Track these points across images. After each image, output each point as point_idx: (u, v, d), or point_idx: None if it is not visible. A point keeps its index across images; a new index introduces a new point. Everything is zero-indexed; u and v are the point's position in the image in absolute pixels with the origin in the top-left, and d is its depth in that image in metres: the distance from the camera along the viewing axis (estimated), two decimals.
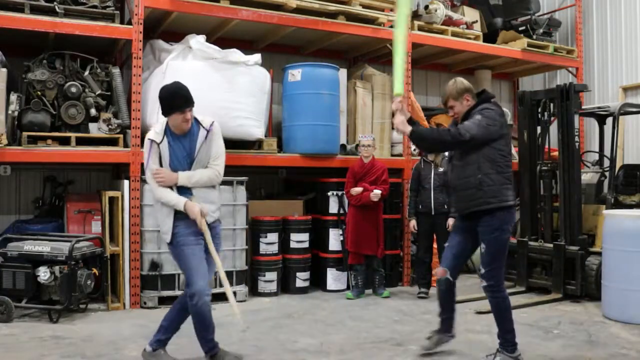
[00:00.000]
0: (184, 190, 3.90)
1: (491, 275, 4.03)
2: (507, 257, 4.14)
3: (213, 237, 3.97)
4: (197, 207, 3.83)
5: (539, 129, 6.86)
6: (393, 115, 4.04)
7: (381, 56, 8.42)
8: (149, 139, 3.88)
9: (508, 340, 4.08)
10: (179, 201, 3.82)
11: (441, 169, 6.41)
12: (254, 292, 6.46)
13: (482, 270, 4.08)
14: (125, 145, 6.02)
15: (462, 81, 4.17)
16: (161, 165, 3.88)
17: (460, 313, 5.73)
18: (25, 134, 5.64)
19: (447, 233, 6.45)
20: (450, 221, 6.33)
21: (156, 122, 5.95)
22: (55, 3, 5.71)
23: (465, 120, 4.05)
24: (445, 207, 6.34)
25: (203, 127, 3.98)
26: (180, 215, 3.86)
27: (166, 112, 3.87)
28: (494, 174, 3.95)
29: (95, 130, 6.05)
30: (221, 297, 6.10)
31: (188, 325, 5.20)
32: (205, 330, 3.92)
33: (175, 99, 3.86)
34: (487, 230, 4.00)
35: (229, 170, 6.57)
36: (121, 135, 6.01)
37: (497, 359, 4.09)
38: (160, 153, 3.87)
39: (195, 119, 3.99)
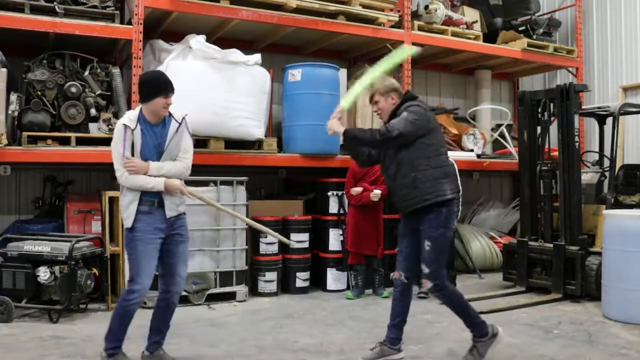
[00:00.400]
0: None
1: (436, 275, 3.98)
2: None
3: (179, 228, 3.98)
4: (177, 182, 3.87)
5: (539, 129, 6.85)
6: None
7: (381, 56, 8.22)
8: (123, 124, 3.83)
9: (478, 324, 4.05)
10: (158, 182, 3.81)
11: None
12: (254, 292, 6.47)
13: (427, 270, 3.99)
14: None
15: (392, 81, 4.22)
16: (132, 153, 3.85)
17: None
18: (25, 134, 5.64)
19: None
20: None
21: None
22: (55, 3, 5.71)
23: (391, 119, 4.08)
24: None
25: (175, 120, 3.98)
26: (144, 209, 3.84)
27: (150, 95, 3.84)
28: (428, 169, 3.94)
29: (95, 130, 6.06)
30: (221, 297, 6.12)
31: (188, 325, 5.21)
32: (120, 329, 3.89)
33: (160, 82, 3.89)
34: (432, 228, 3.96)
35: (229, 170, 6.63)
36: None
37: (474, 351, 4.07)
38: (132, 140, 3.83)
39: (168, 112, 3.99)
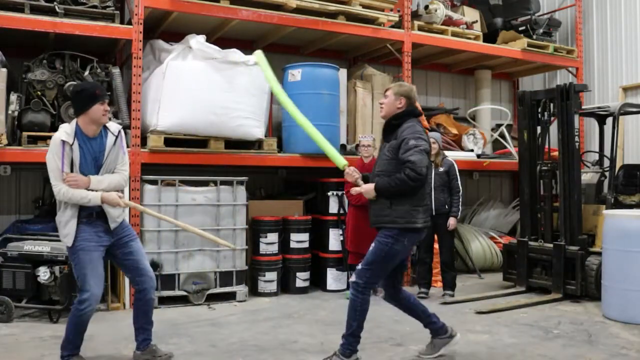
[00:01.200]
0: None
1: (362, 274, 4.03)
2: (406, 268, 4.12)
3: (122, 231, 4.03)
4: (114, 194, 3.87)
5: (539, 129, 6.85)
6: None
7: (381, 56, 8.42)
8: (61, 139, 3.81)
9: (350, 342, 4.04)
10: (95, 196, 3.81)
11: (441, 169, 6.41)
12: (254, 292, 6.47)
13: (359, 266, 4.09)
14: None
15: (411, 87, 4.26)
16: (72, 169, 3.85)
17: (460, 313, 5.75)
18: (25, 134, 5.64)
19: (448, 233, 6.48)
20: (452, 221, 6.34)
21: (156, 122, 5.98)
22: (55, 3, 5.71)
23: (391, 127, 4.10)
24: (446, 207, 6.34)
25: (111, 133, 3.99)
26: (83, 220, 3.87)
27: (88, 104, 3.82)
28: (403, 198, 3.98)
29: None
30: (221, 297, 6.12)
31: (188, 325, 5.22)
32: (76, 336, 3.92)
33: (95, 89, 3.91)
34: (381, 235, 4.04)
35: (229, 170, 6.63)
36: None
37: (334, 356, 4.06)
38: (71, 156, 3.83)
39: (104, 125, 3.99)
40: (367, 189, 4.04)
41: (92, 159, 3.91)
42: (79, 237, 3.85)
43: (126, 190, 5.83)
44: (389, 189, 3.96)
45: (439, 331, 4.31)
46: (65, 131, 3.87)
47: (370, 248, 4.05)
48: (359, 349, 4.10)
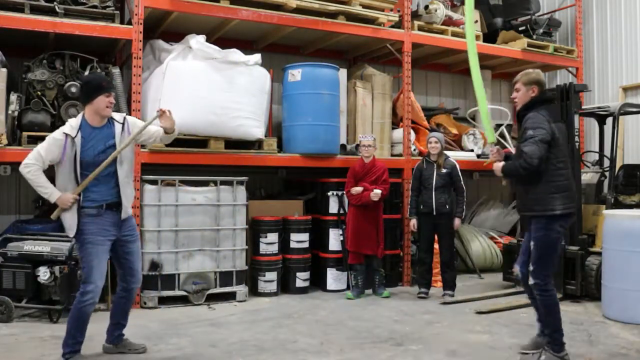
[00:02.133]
0: (107, 183, 3.98)
1: (537, 274, 4.11)
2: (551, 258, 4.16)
3: (128, 229, 4.14)
4: (70, 196, 3.88)
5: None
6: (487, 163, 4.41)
7: (381, 56, 8.42)
8: (64, 132, 3.92)
9: (556, 338, 4.13)
10: (53, 193, 3.88)
11: (444, 170, 6.41)
12: (254, 292, 6.47)
13: (530, 268, 4.16)
14: None
15: (537, 73, 4.28)
16: (75, 159, 3.91)
17: (460, 313, 5.76)
18: (25, 134, 5.64)
19: (449, 233, 6.48)
20: (457, 221, 6.34)
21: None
22: (55, 3, 5.71)
23: (522, 115, 4.18)
24: (447, 207, 6.33)
25: (117, 122, 4.10)
26: (90, 212, 3.94)
27: (92, 95, 3.95)
28: (540, 184, 4.06)
29: None
30: (221, 297, 6.12)
31: (188, 325, 5.22)
32: (78, 330, 3.96)
33: (101, 81, 4.05)
34: (535, 229, 4.14)
35: (229, 170, 6.63)
36: None
37: (542, 358, 4.13)
38: (74, 148, 3.91)
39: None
40: (496, 167, 4.23)
41: (103, 146, 3.98)
42: (86, 229, 3.92)
43: None
44: (507, 172, 4.18)
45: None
46: (70, 124, 3.99)
47: (531, 245, 4.15)
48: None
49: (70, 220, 3.93)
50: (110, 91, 4.01)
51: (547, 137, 4.00)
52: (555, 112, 4.19)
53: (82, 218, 3.93)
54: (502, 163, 4.21)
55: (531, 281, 4.14)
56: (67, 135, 3.92)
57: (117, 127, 4.07)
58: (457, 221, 6.35)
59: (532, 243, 4.14)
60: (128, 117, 4.21)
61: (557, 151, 4.08)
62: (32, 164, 3.93)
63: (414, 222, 6.53)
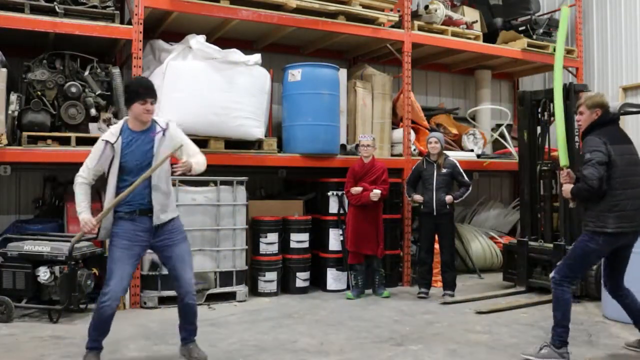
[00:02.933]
0: (141, 189, 3.91)
1: (559, 270, 4.27)
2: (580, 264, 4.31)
3: (168, 233, 4.01)
4: (90, 223, 3.87)
5: (539, 129, 6.85)
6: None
7: (381, 56, 8.42)
8: (102, 139, 3.93)
9: (560, 334, 4.19)
10: (81, 212, 3.91)
11: (444, 170, 6.41)
12: (254, 292, 6.46)
13: (559, 262, 4.38)
14: None
15: (600, 96, 4.41)
16: (111, 165, 3.91)
17: (460, 313, 5.76)
18: (25, 134, 5.64)
19: (449, 234, 6.48)
20: (448, 197, 6.34)
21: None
22: (55, 3, 5.71)
23: (584, 136, 4.30)
24: (447, 207, 6.33)
25: (159, 125, 4.04)
26: (121, 215, 3.92)
27: (129, 101, 3.94)
28: (598, 200, 4.17)
29: (96, 130, 6.05)
30: (221, 297, 6.12)
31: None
32: (95, 330, 3.95)
33: (139, 88, 3.96)
34: (582, 235, 4.29)
35: (229, 170, 6.63)
36: None
37: (543, 352, 4.20)
38: (112, 154, 3.90)
39: (153, 119, 4.05)
40: (565, 189, 4.36)
41: (141, 152, 3.93)
42: (115, 232, 3.92)
43: None
44: (575, 194, 4.29)
45: None
46: (111, 131, 3.99)
47: (571, 247, 4.33)
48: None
49: (106, 222, 3.94)
50: (146, 98, 3.89)
51: (604, 159, 4.10)
52: (615, 134, 4.26)
53: (115, 221, 3.93)
54: (572, 186, 4.31)
55: (552, 274, 4.32)
56: (106, 142, 3.90)
57: (158, 134, 3.99)
58: (448, 197, 6.32)
59: (573, 244, 4.35)
60: (170, 124, 4.08)
61: (612, 172, 4.15)
62: (79, 176, 3.98)
63: (417, 196, 6.46)
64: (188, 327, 4.19)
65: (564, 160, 4.50)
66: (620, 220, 4.11)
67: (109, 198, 3.92)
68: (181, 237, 4.09)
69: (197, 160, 4.04)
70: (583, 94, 4.51)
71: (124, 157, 3.90)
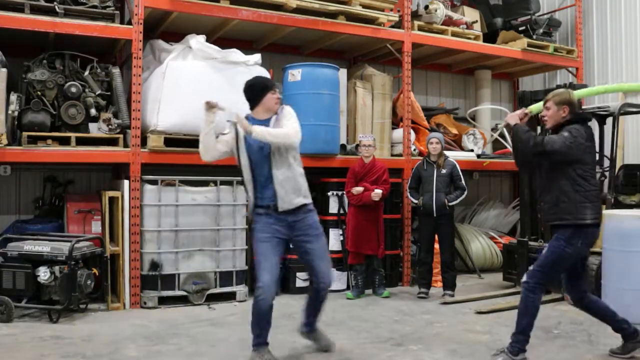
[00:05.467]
0: (267, 186, 4.13)
1: (533, 275, 4.12)
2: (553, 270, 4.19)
3: (303, 229, 4.16)
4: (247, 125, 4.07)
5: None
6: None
7: (381, 56, 8.42)
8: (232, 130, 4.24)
9: (520, 341, 4.14)
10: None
11: (444, 171, 6.41)
12: (254, 292, 6.44)
13: (531, 267, 4.18)
14: (125, 145, 6.02)
15: (570, 95, 4.24)
16: (238, 155, 4.22)
17: (460, 313, 5.76)
18: (25, 134, 5.64)
19: (449, 233, 6.48)
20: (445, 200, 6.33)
21: (156, 122, 5.98)
22: (55, 3, 5.71)
23: (554, 133, 4.18)
24: (447, 208, 6.34)
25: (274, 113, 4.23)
26: (257, 210, 4.14)
27: (260, 94, 4.18)
28: (571, 192, 4.07)
29: (95, 130, 6.06)
30: (221, 297, 6.12)
31: (188, 325, 5.21)
32: (256, 325, 4.07)
33: (266, 80, 4.28)
34: (556, 238, 4.14)
35: (229, 170, 6.60)
36: (121, 135, 6.02)
37: (503, 352, 4.17)
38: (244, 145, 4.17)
39: None
40: (511, 116, 4.21)
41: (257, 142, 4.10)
42: (256, 227, 4.14)
43: (126, 190, 5.85)
44: (516, 131, 4.13)
45: (631, 335, 4.37)
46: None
47: (544, 251, 4.16)
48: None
49: (250, 216, 4.20)
50: (275, 87, 4.20)
51: (574, 148, 4.01)
52: (590, 133, 4.20)
53: (255, 217, 4.16)
54: (518, 121, 4.18)
55: (524, 278, 4.14)
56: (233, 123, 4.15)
57: (272, 117, 4.18)
58: (445, 200, 6.34)
59: (546, 248, 4.15)
60: (285, 107, 4.27)
61: (586, 166, 4.12)
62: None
63: (420, 199, 6.47)
64: (316, 314, 4.37)
65: (535, 108, 4.36)
66: (594, 210, 4.09)
67: (249, 186, 4.18)
68: (318, 233, 4.26)
69: (273, 131, 4.09)
70: (552, 92, 4.34)
71: (248, 148, 4.15)
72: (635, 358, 4.30)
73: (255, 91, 4.21)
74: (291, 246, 4.38)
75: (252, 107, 4.24)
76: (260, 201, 4.14)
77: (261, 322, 4.05)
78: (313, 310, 4.37)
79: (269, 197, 4.11)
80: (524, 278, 4.16)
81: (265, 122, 4.16)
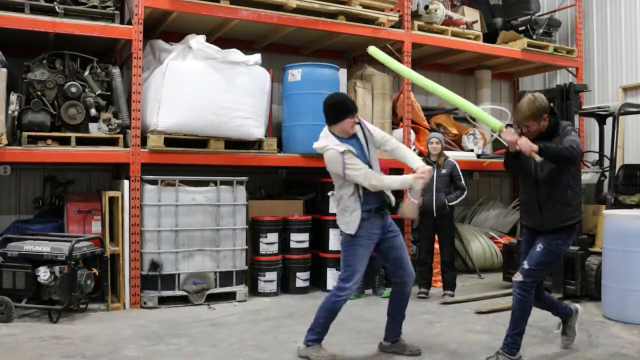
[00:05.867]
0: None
1: (529, 274, 4.07)
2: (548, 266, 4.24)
3: (389, 226, 4.29)
4: (426, 168, 4.19)
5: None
6: (509, 150, 4.08)
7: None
8: (339, 152, 4.12)
9: (512, 343, 4.13)
10: (406, 178, 4.28)
11: (444, 171, 6.40)
12: (254, 292, 6.46)
13: (525, 266, 4.09)
14: (125, 145, 6.03)
15: (542, 99, 3.96)
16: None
17: (460, 313, 5.76)
18: (25, 134, 5.65)
19: (449, 233, 6.47)
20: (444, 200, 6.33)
21: (156, 122, 5.98)
22: (55, 3, 5.71)
23: (545, 140, 3.97)
24: (447, 208, 6.33)
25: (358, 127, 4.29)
26: (365, 215, 4.17)
27: (340, 117, 4.17)
28: (571, 193, 4.07)
29: (95, 130, 6.06)
30: (221, 297, 6.12)
31: (188, 325, 5.21)
32: (326, 322, 4.22)
33: (347, 104, 4.25)
34: (553, 237, 4.06)
35: (229, 170, 6.63)
36: (121, 135, 6.02)
37: (498, 356, 4.13)
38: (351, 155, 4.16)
39: None
40: (524, 143, 3.85)
41: (359, 154, 4.20)
42: (360, 233, 4.16)
43: (126, 190, 5.85)
44: (551, 152, 3.86)
45: (569, 314, 4.48)
46: (333, 143, 4.17)
47: (539, 248, 4.07)
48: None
49: (354, 217, 4.15)
50: (354, 113, 4.21)
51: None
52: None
53: (360, 220, 4.15)
54: (527, 140, 3.85)
55: (519, 278, 4.07)
56: (344, 151, 4.13)
57: (359, 132, 4.26)
58: (444, 201, 6.33)
59: (540, 246, 4.06)
60: (361, 121, 4.33)
61: (576, 166, 4.13)
62: (369, 178, 4.15)
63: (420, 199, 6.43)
64: (397, 318, 4.41)
65: (495, 126, 4.05)
66: (580, 207, 4.15)
67: (351, 199, 4.18)
68: (397, 228, 4.38)
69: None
70: (518, 105, 4.04)
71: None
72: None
73: (336, 113, 4.22)
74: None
75: (329, 124, 4.28)
76: (365, 205, 4.19)
77: (331, 320, 4.21)
78: (399, 313, 4.41)
79: (373, 202, 4.22)
80: (520, 277, 4.08)
81: (353, 141, 4.22)
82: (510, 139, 3.93)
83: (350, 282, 4.16)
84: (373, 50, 4.74)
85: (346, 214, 4.19)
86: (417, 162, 4.29)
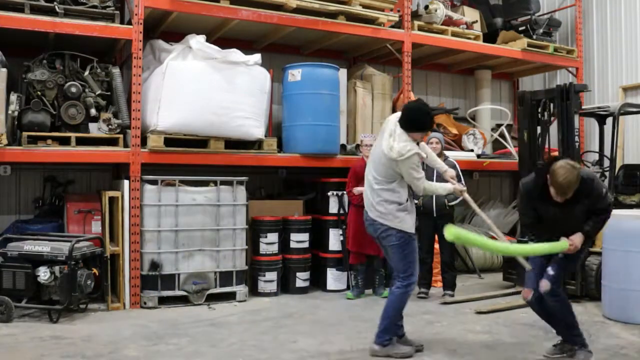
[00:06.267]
0: None
1: (556, 280, 4.20)
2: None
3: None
4: (452, 172, 4.78)
5: (539, 129, 6.85)
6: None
7: (381, 56, 8.42)
8: (422, 155, 4.44)
9: (574, 337, 4.31)
10: (446, 186, 4.71)
11: None
12: (254, 292, 6.46)
13: (551, 272, 4.17)
14: (125, 145, 6.02)
15: (576, 164, 4.03)
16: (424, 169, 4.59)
17: (460, 313, 5.76)
18: (25, 134, 5.64)
19: None
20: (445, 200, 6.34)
21: (156, 122, 5.98)
22: (55, 3, 5.71)
23: (573, 199, 4.02)
24: (447, 208, 6.33)
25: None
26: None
27: (413, 129, 4.34)
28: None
29: (95, 130, 6.06)
30: (221, 297, 6.12)
31: (188, 325, 5.21)
32: (398, 316, 4.41)
33: (426, 122, 4.42)
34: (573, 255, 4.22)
35: (229, 170, 6.63)
36: (121, 135, 6.02)
37: (581, 357, 4.28)
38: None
39: None
40: (577, 241, 4.10)
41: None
42: (411, 229, 4.42)
43: (126, 190, 5.86)
44: (594, 234, 4.28)
45: (582, 343, 4.42)
46: (416, 149, 4.33)
47: (561, 256, 4.20)
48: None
49: (413, 218, 4.46)
50: (426, 132, 4.62)
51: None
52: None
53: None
54: (580, 235, 4.09)
55: (548, 287, 4.12)
56: (419, 154, 4.39)
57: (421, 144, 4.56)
58: (444, 201, 6.33)
59: (561, 254, 4.17)
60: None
61: None
62: (422, 181, 4.42)
63: (420, 200, 6.44)
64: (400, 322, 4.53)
65: (564, 246, 4.11)
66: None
67: (404, 195, 4.40)
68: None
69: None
70: (563, 178, 3.92)
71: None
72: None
73: (428, 123, 4.44)
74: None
75: (414, 129, 4.37)
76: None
77: (401, 317, 4.43)
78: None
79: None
80: (547, 287, 4.11)
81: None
82: (572, 249, 4.13)
83: (413, 277, 4.38)
84: (450, 233, 4.20)
85: (403, 213, 4.38)
86: (444, 166, 4.82)
